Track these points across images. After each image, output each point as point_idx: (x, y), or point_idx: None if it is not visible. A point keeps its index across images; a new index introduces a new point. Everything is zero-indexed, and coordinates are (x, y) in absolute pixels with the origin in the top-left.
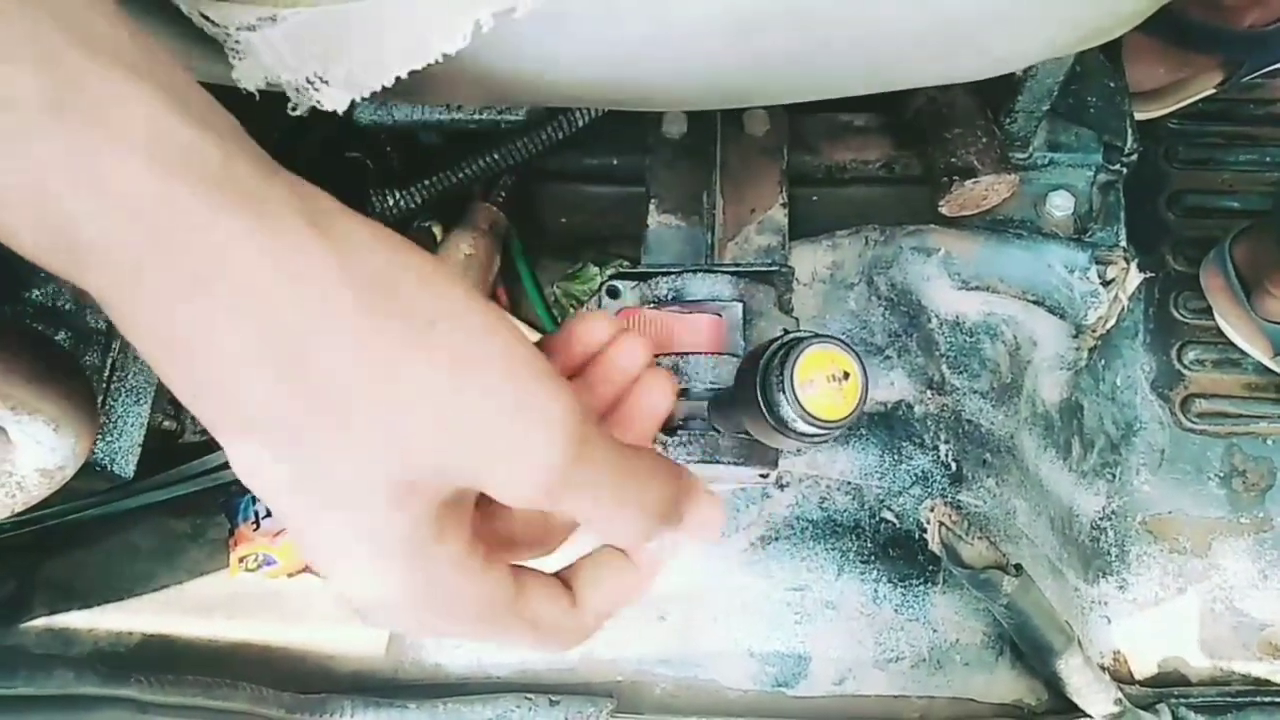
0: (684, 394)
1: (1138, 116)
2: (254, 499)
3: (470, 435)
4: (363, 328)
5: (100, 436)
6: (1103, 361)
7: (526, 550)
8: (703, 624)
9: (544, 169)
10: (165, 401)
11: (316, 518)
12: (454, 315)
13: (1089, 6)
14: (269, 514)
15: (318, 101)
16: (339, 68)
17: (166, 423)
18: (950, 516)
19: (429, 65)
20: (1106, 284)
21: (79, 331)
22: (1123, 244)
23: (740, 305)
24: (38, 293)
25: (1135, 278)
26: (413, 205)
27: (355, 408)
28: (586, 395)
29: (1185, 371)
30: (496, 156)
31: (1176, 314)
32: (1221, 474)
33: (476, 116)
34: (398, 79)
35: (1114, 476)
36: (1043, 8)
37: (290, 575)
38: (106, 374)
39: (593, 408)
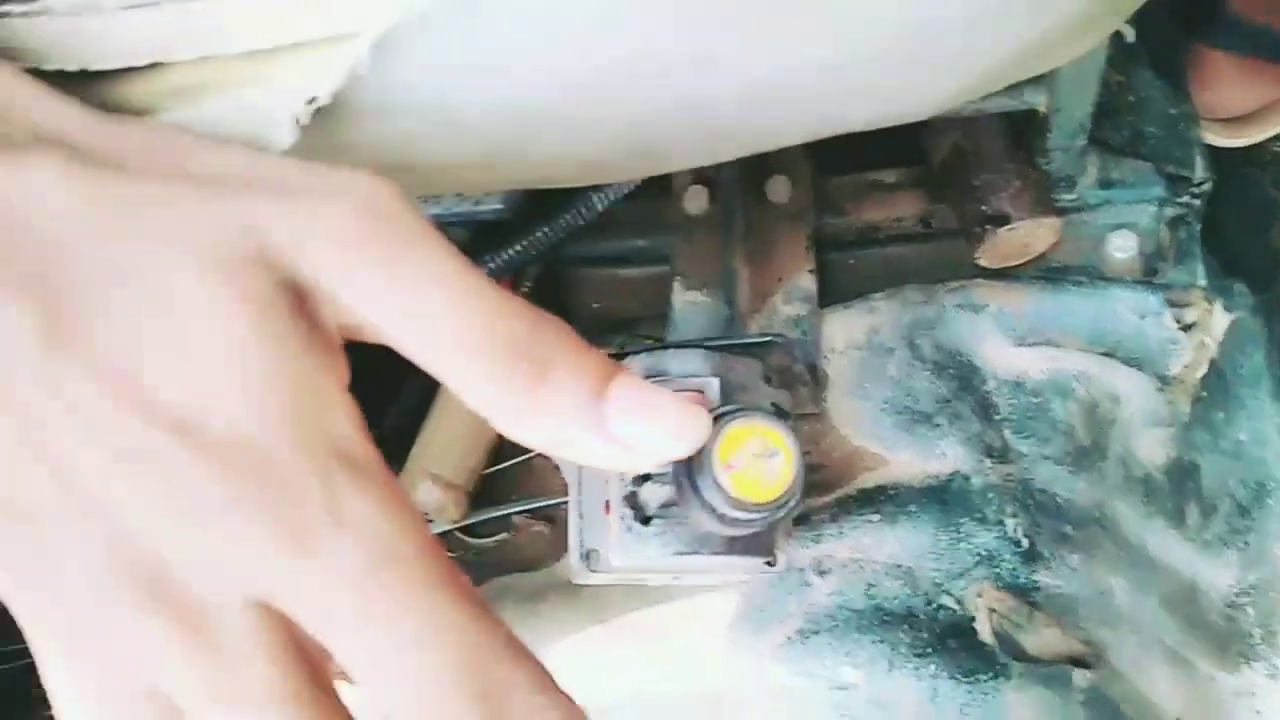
0: (646, 479)
1: (1230, 144)
2: None
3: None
4: None
5: None
6: (1221, 414)
7: None
8: None
9: (570, 256)
10: None
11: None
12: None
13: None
14: None
15: None
16: None
17: None
18: (1004, 601)
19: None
20: (1186, 329)
21: None
22: (1200, 283)
23: (717, 381)
24: None
25: (1222, 320)
26: None
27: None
28: None
29: None
30: (518, 249)
31: None
32: None
33: (453, 210)
34: None
35: (1247, 544)
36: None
37: None
38: None
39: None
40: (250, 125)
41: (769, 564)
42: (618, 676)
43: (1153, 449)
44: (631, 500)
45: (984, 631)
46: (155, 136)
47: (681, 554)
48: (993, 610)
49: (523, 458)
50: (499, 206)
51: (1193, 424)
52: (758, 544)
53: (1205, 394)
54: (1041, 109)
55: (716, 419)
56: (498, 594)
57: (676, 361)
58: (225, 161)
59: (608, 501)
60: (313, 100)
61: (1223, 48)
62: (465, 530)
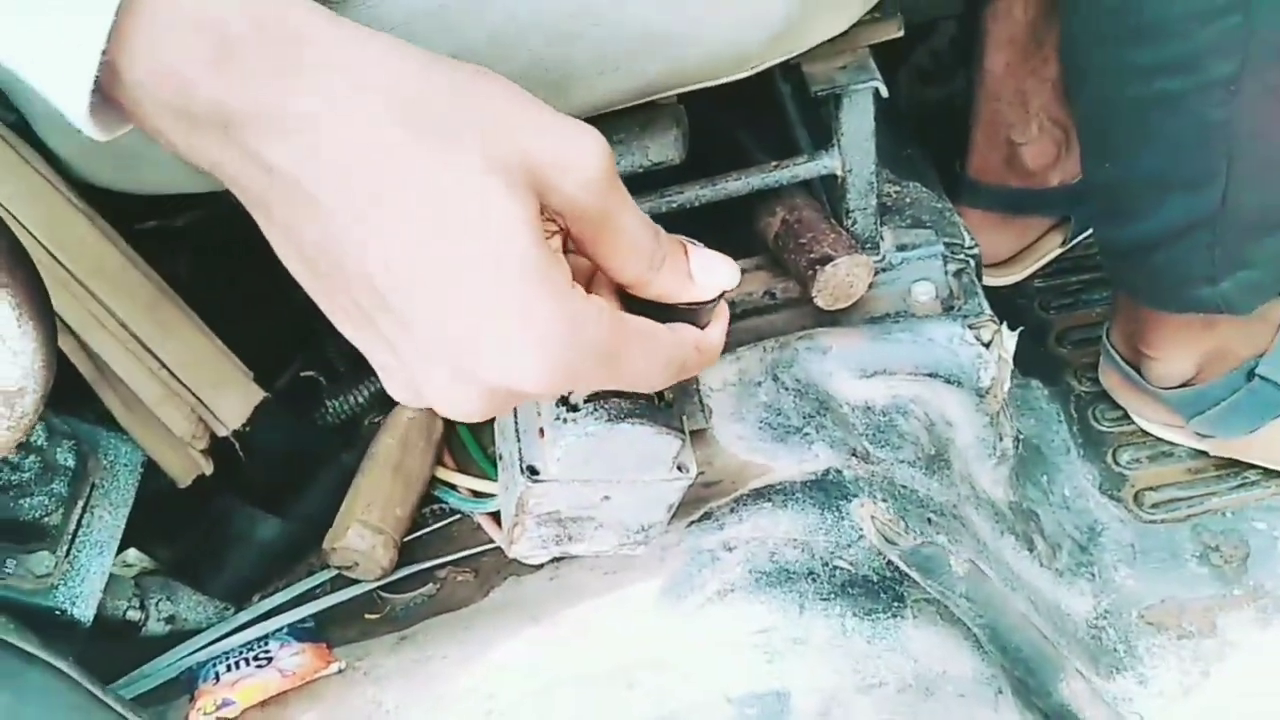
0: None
1: (999, 282)
2: (215, 661)
3: (545, 126)
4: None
5: (63, 582)
6: (1045, 476)
7: None
8: (673, 683)
9: None
10: (131, 592)
11: (448, 263)
12: None
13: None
14: (229, 668)
15: None
16: None
17: (131, 613)
18: (883, 514)
19: None
20: (986, 345)
21: (48, 463)
22: (988, 311)
23: None
24: None
25: (1010, 337)
26: (361, 401)
27: (455, 115)
28: None
29: (1126, 472)
30: None
31: (1099, 425)
32: (1197, 554)
33: None
34: None
35: (1093, 575)
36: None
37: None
38: (74, 525)
39: None
40: None
41: (683, 470)
42: (560, 661)
43: (994, 486)
44: (563, 400)
45: (872, 536)
46: (459, 79)
47: (610, 422)
48: (874, 517)
49: (446, 521)
50: None
51: (1024, 482)
52: (667, 420)
53: (1028, 460)
54: (838, 172)
55: None
56: (430, 630)
57: None
58: (503, 101)
59: (542, 429)
60: None
61: (974, 206)
62: (391, 587)
